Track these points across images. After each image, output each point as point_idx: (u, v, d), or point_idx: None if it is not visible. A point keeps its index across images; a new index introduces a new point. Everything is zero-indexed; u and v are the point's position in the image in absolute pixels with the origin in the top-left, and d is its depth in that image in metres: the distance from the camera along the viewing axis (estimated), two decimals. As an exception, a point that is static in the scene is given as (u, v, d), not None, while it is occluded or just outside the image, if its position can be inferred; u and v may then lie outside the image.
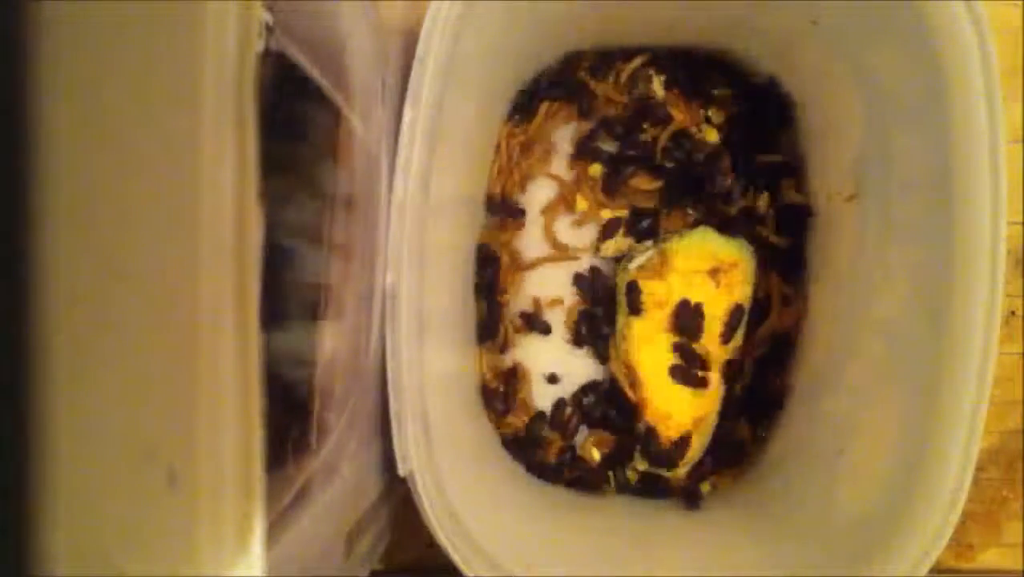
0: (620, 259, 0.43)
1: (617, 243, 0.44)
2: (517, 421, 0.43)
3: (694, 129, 0.44)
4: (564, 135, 0.44)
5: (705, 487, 0.43)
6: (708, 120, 0.44)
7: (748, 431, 0.43)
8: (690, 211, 0.44)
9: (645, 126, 0.44)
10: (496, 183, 0.43)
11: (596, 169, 0.44)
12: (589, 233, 0.44)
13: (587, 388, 0.44)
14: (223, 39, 0.16)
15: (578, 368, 0.44)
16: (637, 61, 0.43)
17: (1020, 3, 0.44)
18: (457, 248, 0.40)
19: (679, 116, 0.43)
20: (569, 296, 0.44)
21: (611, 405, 0.44)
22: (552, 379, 0.44)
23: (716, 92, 0.44)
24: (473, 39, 0.32)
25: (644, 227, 0.44)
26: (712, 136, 0.44)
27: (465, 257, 0.42)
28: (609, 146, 0.44)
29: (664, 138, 0.43)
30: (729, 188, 0.43)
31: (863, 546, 0.32)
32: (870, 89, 0.35)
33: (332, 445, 0.28)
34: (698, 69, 0.44)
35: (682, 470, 0.43)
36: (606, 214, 0.44)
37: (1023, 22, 0.43)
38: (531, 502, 0.40)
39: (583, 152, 0.44)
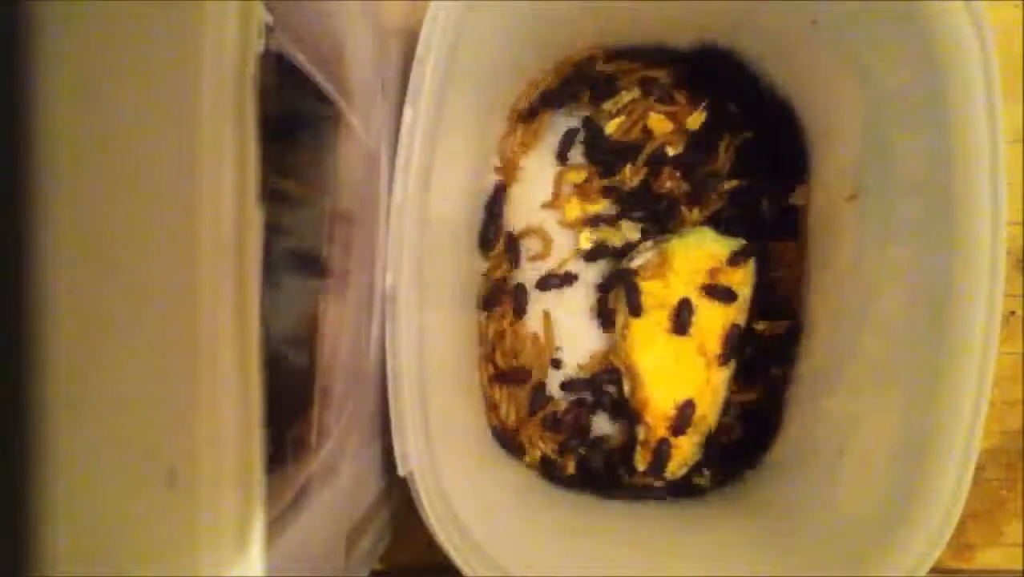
0: (622, 258, 0.44)
1: (622, 231, 0.44)
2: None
3: (673, 141, 0.44)
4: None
5: (701, 480, 0.43)
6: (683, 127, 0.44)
7: (748, 431, 0.43)
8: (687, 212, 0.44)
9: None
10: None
11: (579, 175, 0.44)
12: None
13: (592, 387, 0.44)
14: (223, 39, 0.16)
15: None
16: (635, 92, 0.44)
17: (1020, 3, 0.44)
18: (457, 246, 0.40)
19: (662, 128, 0.44)
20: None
21: (612, 404, 0.44)
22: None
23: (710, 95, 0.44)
24: (473, 39, 0.32)
25: (642, 215, 0.44)
26: (676, 148, 0.44)
27: (466, 256, 0.42)
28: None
29: (647, 151, 0.44)
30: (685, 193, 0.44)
31: (863, 546, 0.32)
32: (870, 89, 0.35)
33: (332, 445, 0.28)
34: (696, 70, 0.44)
35: (681, 470, 0.43)
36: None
37: (1023, 22, 0.43)
38: (531, 502, 0.40)
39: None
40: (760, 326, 0.43)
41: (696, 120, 0.44)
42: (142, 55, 0.16)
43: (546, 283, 0.44)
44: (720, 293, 0.42)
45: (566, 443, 0.43)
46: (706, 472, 0.43)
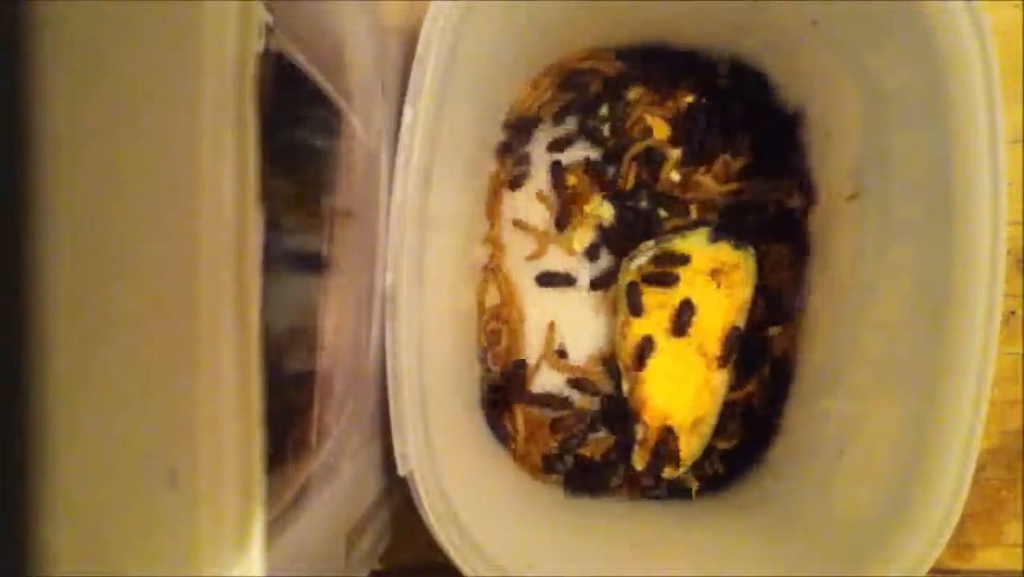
0: (623, 257, 0.44)
1: (603, 209, 0.44)
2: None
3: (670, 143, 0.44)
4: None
5: (694, 483, 0.43)
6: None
7: (747, 432, 0.43)
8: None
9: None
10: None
11: (576, 177, 0.44)
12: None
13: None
14: (223, 39, 0.16)
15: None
16: (634, 93, 0.44)
17: (1020, 3, 0.43)
18: (457, 248, 0.40)
19: (660, 131, 0.44)
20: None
21: (612, 405, 0.44)
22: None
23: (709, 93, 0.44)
24: (473, 39, 0.32)
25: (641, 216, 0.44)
26: (673, 154, 0.44)
27: (465, 256, 0.42)
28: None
29: (633, 152, 0.44)
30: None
31: (863, 546, 0.32)
32: (870, 89, 0.35)
33: (332, 445, 0.28)
34: (697, 70, 0.44)
35: (680, 470, 0.43)
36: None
37: (1023, 22, 0.43)
38: (531, 502, 0.40)
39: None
40: (773, 331, 0.43)
41: (685, 99, 0.44)
42: (142, 55, 0.16)
43: (546, 280, 0.44)
44: (659, 278, 0.42)
45: (566, 443, 0.43)
46: (690, 478, 0.44)
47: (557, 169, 0.44)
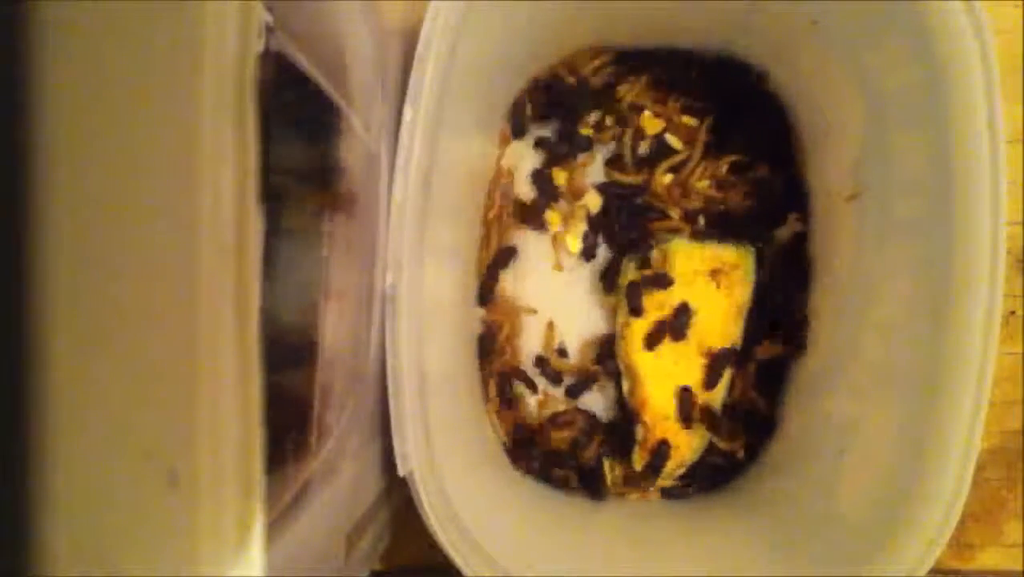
0: (622, 257, 0.44)
1: (594, 201, 0.44)
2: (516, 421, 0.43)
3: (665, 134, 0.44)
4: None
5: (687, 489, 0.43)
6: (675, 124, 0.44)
7: (748, 432, 0.43)
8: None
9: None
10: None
11: (561, 177, 0.44)
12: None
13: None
14: (223, 39, 0.16)
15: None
16: (632, 92, 0.44)
17: (1020, 3, 0.43)
18: (457, 247, 0.40)
19: (653, 128, 0.44)
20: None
21: (611, 405, 0.44)
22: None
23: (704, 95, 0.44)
24: (473, 39, 0.32)
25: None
26: (677, 143, 0.44)
27: (465, 256, 0.42)
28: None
29: (627, 140, 0.44)
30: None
31: (863, 546, 0.32)
32: (870, 89, 0.35)
33: (332, 445, 0.28)
34: (693, 69, 0.44)
35: (680, 471, 0.43)
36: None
37: (1023, 22, 0.43)
38: (531, 502, 0.40)
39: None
40: (773, 331, 0.43)
41: (688, 122, 0.44)
42: (142, 55, 0.16)
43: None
44: (655, 280, 0.42)
45: (566, 443, 0.43)
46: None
47: (541, 177, 0.44)
